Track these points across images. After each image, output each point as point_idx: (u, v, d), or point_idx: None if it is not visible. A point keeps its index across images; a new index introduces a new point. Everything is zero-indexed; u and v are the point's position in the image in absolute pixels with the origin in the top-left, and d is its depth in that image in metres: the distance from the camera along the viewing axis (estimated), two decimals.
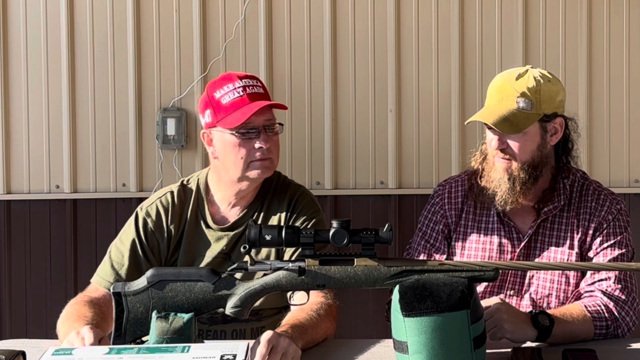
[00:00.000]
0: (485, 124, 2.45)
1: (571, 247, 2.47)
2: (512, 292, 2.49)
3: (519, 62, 3.70)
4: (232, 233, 2.53)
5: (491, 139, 2.45)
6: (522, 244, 2.49)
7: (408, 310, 1.90)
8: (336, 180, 3.77)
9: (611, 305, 2.32)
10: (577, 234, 2.48)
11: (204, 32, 3.74)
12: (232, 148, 2.47)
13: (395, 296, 1.94)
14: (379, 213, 3.76)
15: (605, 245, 2.45)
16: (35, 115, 3.76)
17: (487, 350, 1.97)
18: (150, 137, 3.73)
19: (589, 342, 2.25)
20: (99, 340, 2.04)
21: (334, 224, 1.98)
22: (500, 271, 2.03)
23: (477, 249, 2.53)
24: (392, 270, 1.99)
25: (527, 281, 2.48)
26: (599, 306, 2.32)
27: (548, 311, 2.24)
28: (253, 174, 2.48)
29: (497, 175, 2.45)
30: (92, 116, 3.76)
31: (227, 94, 2.48)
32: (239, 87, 2.47)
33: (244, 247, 2.01)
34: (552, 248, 2.48)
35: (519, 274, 2.48)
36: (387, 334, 2.04)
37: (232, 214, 2.55)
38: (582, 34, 3.74)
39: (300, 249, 2.08)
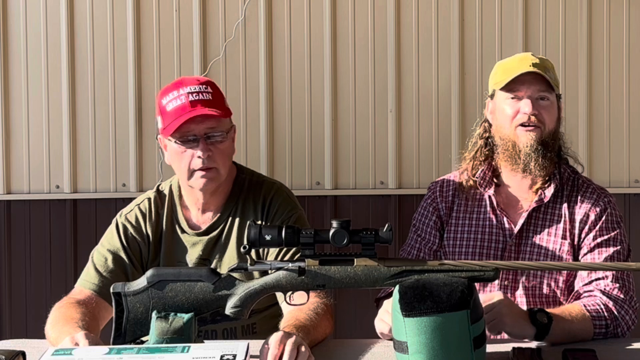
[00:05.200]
0: (514, 92, 2.49)
1: (564, 237, 2.49)
2: (506, 282, 2.50)
3: None
4: (206, 238, 2.52)
5: (520, 106, 2.48)
6: (515, 233, 2.51)
7: (408, 310, 1.90)
8: (336, 181, 3.77)
9: (610, 304, 2.32)
10: (567, 224, 2.49)
11: (204, 32, 3.74)
12: (176, 156, 2.45)
13: (395, 296, 1.94)
14: (379, 213, 3.76)
15: (599, 240, 2.46)
16: (35, 115, 3.76)
17: (487, 350, 1.97)
18: (150, 137, 3.72)
19: (588, 341, 2.25)
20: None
21: (334, 224, 1.98)
22: (500, 271, 2.04)
23: (468, 239, 2.56)
24: (392, 270, 1.99)
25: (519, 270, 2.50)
26: (598, 305, 2.32)
27: (547, 309, 2.24)
28: (196, 184, 2.45)
29: (528, 141, 2.47)
30: (92, 116, 3.76)
31: (172, 101, 2.44)
32: (182, 94, 2.43)
33: (244, 247, 2.01)
34: (545, 237, 2.50)
35: (512, 259, 2.50)
36: None
37: (206, 219, 2.54)
38: (582, 34, 3.74)
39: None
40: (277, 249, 2.42)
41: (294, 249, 2.41)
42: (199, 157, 2.41)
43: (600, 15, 3.74)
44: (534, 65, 2.48)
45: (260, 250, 2.37)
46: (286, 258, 2.42)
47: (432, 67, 3.75)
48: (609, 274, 2.38)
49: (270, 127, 3.75)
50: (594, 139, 3.76)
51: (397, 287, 1.95)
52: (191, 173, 2.44)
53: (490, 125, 2.61)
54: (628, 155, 3.76)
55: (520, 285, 2.47)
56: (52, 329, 2.25)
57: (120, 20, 3.73)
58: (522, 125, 2.48)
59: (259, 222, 2.30)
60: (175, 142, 2.43)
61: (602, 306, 2.31)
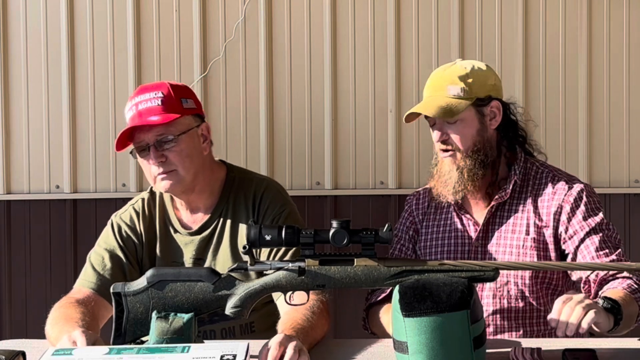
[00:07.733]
0: (427, 120, 2.57)
1: (527, 233, 2.50)
2: None
3: (519, 63, 3.70)
4: (198, 237, 2.52)
5: (433, 133, 2.56)
6: (478, 232, 2.54)
7: (408, 310, 1.90)
8: (336, 181, 3.77)
9: (634, 278, 2.30)
10: (532, 219, 2.51)
11: (204, 32, 3.74)
12: (142, 166, 2.50)
13: (395, 296, 1.94)
14: (379, 213, 3.76)
15: (587, 229, 2.44)
16: (35, 115, 3.76)
17: (487, 350, 1.97)
18: None
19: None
20: (92, 343, 2.03)
21: (334, 224, 1.98)
22: (499, 271, 2.04)
23: (436, 245, 2.60)
24: (392, 270, 1.99)
25: None
26: (630, 279, 2.30)
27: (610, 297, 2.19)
28: (161, 187, 2.48)
29: (446, 167, 2.55)
30: (92, 116, 3.76)
31: (128, 112, 2.49)
32: (133, 104, 2.47)
33: (244, 247, 2.01)
34: (509, 235, 2.53)
35: (478, 259, 2.50)
36: (387, 334, 2.04)
37: (197, 218, 2.55)
38: (582, 34, 3.74)
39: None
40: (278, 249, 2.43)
41: (293, 249, 2.41)
42: (154, 164, 2.44)
43: (600, 15, 3.74)
44: (455, 81, 2.50)
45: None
46: (286, 258, 2.41)
47: (432, 67, 3.74)
48: (620, 273, 2.34)
49: (270, 127, 3.75)
50: (594, 139, 3.76)
51: (397, 287, 1.95)
52: (154, 179, 2.47)
53: None
54: (628, 155, 3.76)
55: (487, 285, 2.51)
56: (52, 329, 2.25)
57: (120, 20, 3.73)
58: (440, 149, 2.57)
59: (251, 220, 2.30)
60: (135, 153, 2.48)
61: (633, 280, 2.29)
